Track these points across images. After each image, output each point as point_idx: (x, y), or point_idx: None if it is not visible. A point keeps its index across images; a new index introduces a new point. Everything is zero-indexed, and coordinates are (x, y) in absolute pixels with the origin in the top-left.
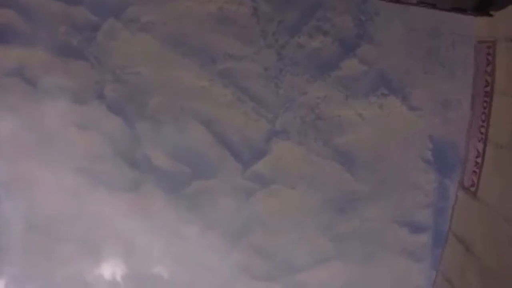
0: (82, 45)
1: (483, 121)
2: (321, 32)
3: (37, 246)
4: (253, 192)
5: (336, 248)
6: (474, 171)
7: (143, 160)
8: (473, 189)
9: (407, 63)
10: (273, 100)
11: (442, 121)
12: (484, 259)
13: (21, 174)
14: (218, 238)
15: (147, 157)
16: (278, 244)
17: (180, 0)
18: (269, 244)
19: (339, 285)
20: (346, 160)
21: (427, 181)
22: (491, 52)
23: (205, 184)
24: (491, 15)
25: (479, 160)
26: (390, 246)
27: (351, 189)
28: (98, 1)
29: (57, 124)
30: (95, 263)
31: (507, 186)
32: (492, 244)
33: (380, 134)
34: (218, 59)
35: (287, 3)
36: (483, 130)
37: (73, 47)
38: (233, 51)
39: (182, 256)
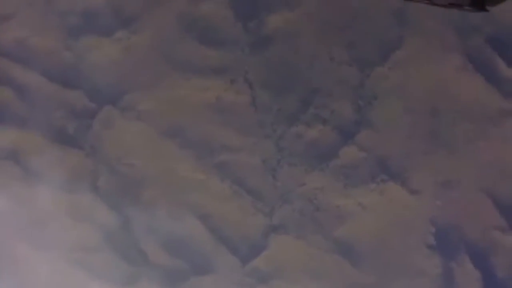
0: (78, 133)
1: None
2: (319, 120)
3: None
4: None
5: None
6: None
7: (138, 254)
8: None
9: (407, 145)
10: (270, 193)
11: (444, 203)
12: None
13: (11, 255)
14: None
15: (142, 251)
16: None
17: (177, 89)
18: None
19: None
20: (347, 252)
21: (432, 266)
22: None
23: (203, 280)
24: (487, 11)
25: None
26: None
27: (354, 281)
28: (95, 86)
29: (50, 211)
30: None
31: None
32: None
33: (382, 222)
34: (215, 151)
35: (286, 89)
36: None
37: (68, 133)
38: (231, 142)
39: None
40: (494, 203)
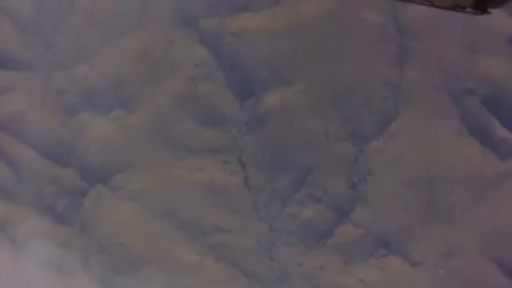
0: (69, 210)
1: None
2: (313, 199)
3: None
4: None
5: None
6: None
7: None
8: None
9: (404, 219)
10: (267, 274)
11: (447, 272)
12: None
13: None
14: None
15: None
16: None
17: (171, 168)
18: None
19: None
20: None
21: None
22: None
23: None
24: (489, 13)
25: None
26: None
27: None
28: (88, 164)
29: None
30: None
31: None
32: None
33: None
34: (209, 232)
35: (278, 169)
36: None
37: (59, 211)
38: (225, 224)
39: None
40: (499, 268)
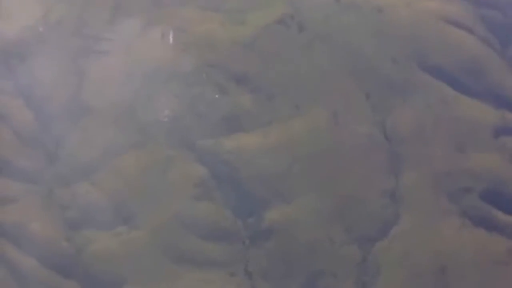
0: None
1: None
2: None
3: None
4: None
5: None
6: None
7: None
8: None
9: None
10: None
11: None
12: None
13: None
14: None
15: None
16: None
17: (176, 281)
18: None
19: None
20: None
21: None
22: None
23: None
24: None
25: None
26: None
27: None
28: (91, 277)
29: None
30: None
31: None
32: None
33: None
34: None
35: (286, 277)
36: None
37: None
38: None
39: None
40: None
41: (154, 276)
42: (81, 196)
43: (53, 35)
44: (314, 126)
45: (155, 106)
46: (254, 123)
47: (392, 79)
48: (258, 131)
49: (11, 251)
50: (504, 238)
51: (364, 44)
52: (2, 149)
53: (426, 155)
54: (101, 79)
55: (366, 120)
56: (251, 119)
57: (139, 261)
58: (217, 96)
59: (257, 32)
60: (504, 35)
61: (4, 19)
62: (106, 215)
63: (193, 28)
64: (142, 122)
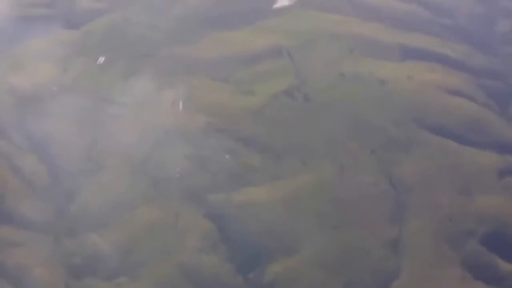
0: None
1: None
2: None
3: None
4: None
5: None
6: None
7: None
8: None
9: None
10: None
11: None
12: None
13: None
14: None
15: None
16: None
17: None
18: None
19: None
20: None
21: None
22: None
23: None
24: None
25: None
26: None
27: None
28: None
29: None
30: None
31: None
32: None
33: None
34: None
35: None
36: None
37: None
38: None
39: None
40: None
41: None
42: (87, 246)
43: (67, 95)
44: (320, 179)
45: (166, 164)
46: (262, 178)
47: (395, 137)
48: (266, 185)
49: None
50: None
51: (367, 110)
52: (13, 200)
53: (431, 202)
54: (114, 139)
55: (372, 171)
56: (259, 175)
57: None
58: (227, 156)
59: (265, 101)
60: (503, 99)
61: (21, 75)
62: (110, 265)
63: (202, 96)
64: (154, 178)
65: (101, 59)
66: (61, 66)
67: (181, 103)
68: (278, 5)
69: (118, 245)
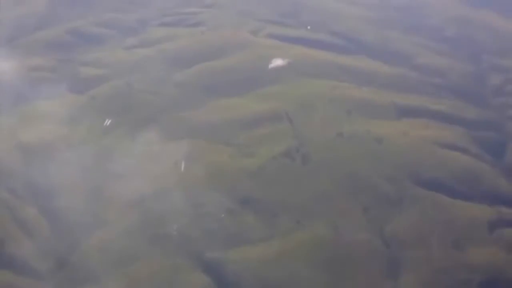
0: None
1: None
2: None
3: None
4: None
5: None
6: None
7: None
8: None
9: None
10: None
11: None
12: None
13: None
14: None
15: None
16: None
17: None
18: None
19: None
20: None
21: None
22: None
23: None
24: None
25: None
26: None
27: None
28: None
29: None
30: None
31: None
32: None
33: None
34: None
35: None
36: None
37: None
38: None
39: None
40: None
41: None
42: None
43: (72, 152)
44: (314, 237)
45: (165, 221)
46: (258, 236)
47: (388, 195)
48: (262, 243)
49: None
50: None
51: (363, 168)
52: (15, 248)
53: (424, 256)
54: (115, 196)
55: (365, 229)
56: (255, 234)
57: None
58: (223, 215)
59: (264, 163)
60: (497, 150)
61: (28, 132)
62: None
63: (203, 158)
64: (153, 234)
65: (108, 121)
66: (67, 125)
67: (183, 164)
68: (273, 65)
69: None
